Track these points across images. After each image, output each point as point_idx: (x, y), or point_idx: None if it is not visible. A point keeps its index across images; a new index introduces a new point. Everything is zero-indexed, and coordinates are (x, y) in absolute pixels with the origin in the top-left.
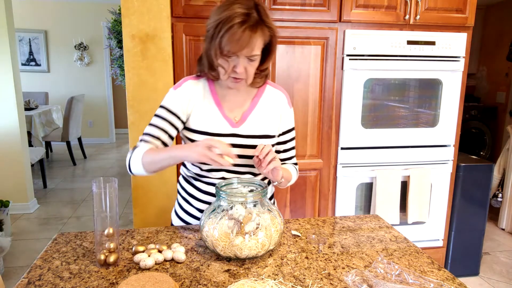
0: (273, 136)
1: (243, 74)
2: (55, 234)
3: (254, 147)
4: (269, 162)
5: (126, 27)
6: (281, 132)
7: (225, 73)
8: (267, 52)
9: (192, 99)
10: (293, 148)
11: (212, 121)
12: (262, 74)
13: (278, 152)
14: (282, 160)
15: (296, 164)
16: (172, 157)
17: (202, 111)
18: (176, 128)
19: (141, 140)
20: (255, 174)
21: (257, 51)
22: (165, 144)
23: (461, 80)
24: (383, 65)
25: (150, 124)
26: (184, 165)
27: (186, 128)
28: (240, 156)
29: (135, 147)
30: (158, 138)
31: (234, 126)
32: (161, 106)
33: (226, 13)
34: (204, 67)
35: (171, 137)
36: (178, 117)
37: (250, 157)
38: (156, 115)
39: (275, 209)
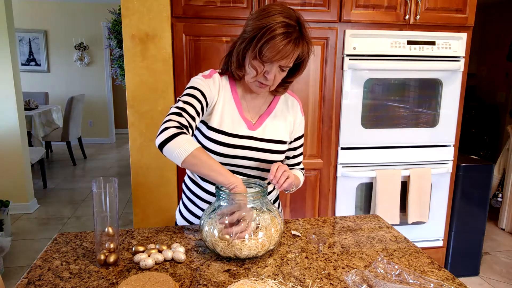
0: (285, 142)
1: (271, 81)
2: (55, 234)
3: (268, 151)
4: (284, 181)
5: (126, 27)
6: (293, 139)
7: (255, 76)
8: (298, 66)
9: (220, 92)
10: (301, 154)
11: (230, 121)
12: (286, 85)
13: (287, 158)
14: (291, 165)
15: (303, 169)
16: (216, 173)
17: (223, 108)
18: (202, 113)
19: (174, 114)
20: (263, 179)
21: (292, 63)
22: (190, 125)
23: (461, 80)
24: (383, 65)
25: (184, 102)
26: None
27: (204, 123)
28: (253, 159)
29: (167, 121)
30: (191, 117)
31: (251, 128)
32: (194, 88)
33: (270, 19)
34: (232, 65)
35: (197, 119)
36: (207, 104)
37: (262, 160)
38: (189, 94)
39: (275, 209)
